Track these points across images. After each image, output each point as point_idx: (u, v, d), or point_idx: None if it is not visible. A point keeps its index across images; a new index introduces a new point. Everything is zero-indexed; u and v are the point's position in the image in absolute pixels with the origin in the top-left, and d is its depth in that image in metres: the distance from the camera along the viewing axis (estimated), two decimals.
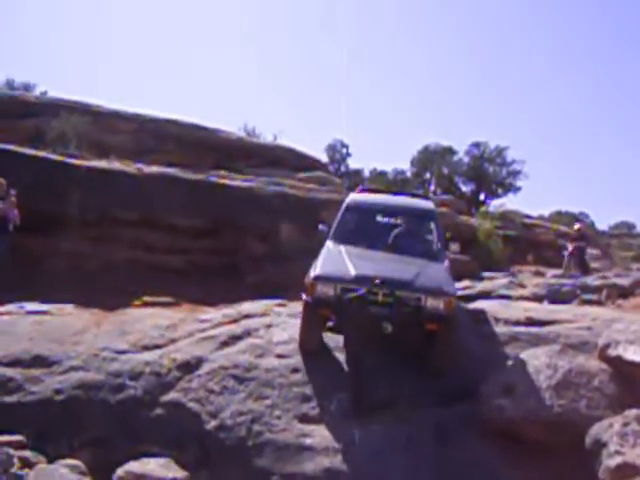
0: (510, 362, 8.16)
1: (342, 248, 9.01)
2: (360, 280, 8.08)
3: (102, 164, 18.33)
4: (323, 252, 9.06)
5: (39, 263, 14.61)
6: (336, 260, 8.62)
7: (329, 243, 9.41)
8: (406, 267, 8.55)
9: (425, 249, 9.47)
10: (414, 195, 12.43)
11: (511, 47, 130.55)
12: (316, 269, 8.37)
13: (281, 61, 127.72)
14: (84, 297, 11.55)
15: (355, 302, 8.01)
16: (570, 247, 20.56)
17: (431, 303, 7.97)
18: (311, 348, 8.62)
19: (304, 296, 8.36)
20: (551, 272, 21.00)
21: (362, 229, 9.78)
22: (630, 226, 56.27)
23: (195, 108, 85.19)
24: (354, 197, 10.50)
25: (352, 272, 8.18)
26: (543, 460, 7.00)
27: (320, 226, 10.16)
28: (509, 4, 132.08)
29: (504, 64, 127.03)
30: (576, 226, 22.45)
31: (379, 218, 10.20)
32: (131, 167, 18.68)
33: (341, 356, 8.62)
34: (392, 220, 10.08)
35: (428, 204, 10.72)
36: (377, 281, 7.95)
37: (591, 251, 23.44)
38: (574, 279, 16.72)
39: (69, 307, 10.71)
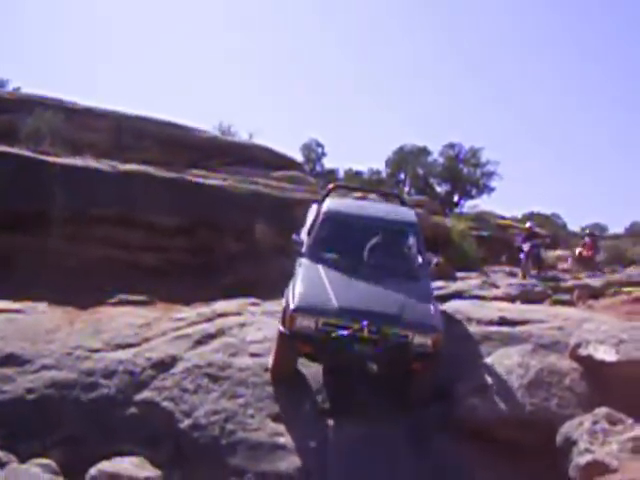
0: (483, 362, 8.24)
1: (321, 270, 8.39)
2: (343, 313, 7.59)
3: (77, 161, 18.14)
4: (300, 274, 8.40)
5: (12, 261, 14.45)
6: (316, 287, 8.01)
7: (306, 262, 8.71)
8: (391, 296, 8.04)
9: (408, 267, 9.02)
10: (388, 195, 12.15)
11: (487, 48, 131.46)
12: (295, 298, 7.77)
13: (257, 60, 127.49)
14: (58, 295, 11.44)
15: (338, 339, 7.50)
16: (526, 247, 19.97)
17: (418, 340, 7.57)
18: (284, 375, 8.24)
19: (280, 327, 7.85)
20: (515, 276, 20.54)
21: (341, 243, 9.01)
22: (602, 228, 56.77)
23: (171, 106, 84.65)
24: (331, 206, 9.70)
25: (335, 304, 7.67)
26: (515, 459, 7.08)
27: (294, 236, 9.54)
28: (487, 8, 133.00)
29: (480, 65, 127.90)
30: (527, 225, 22.17)
31: (358, 230, 9.23)
32: (107, 165, 18.53)
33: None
34: (372, 233, 9.14)
35: (410, 215, 10.06)
36: (364, 323, 7.43)
37: (563, 252, 23.30)
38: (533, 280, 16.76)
39: (42, 305, 10.63)
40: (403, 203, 11.53)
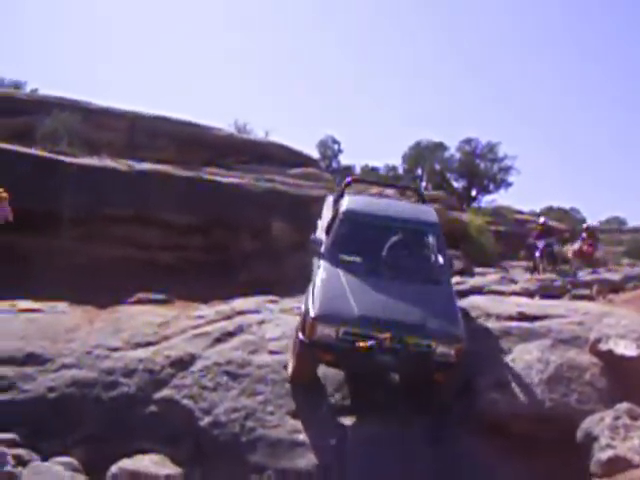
0: (503, 357, 8.20)
1: (341, 275, 8.08)
2: (365, 322, 7.38)
3: (94, 161, 18.28)
4: (320, 279, 8.10)
5: (31, 261, 14.59)
6: (336, 294, 7.74)
7: (325, 264, 8.38)
8: (413, 303, 7.78)
9: (429, 270, 8.75)
10: (407, 188, 11.95)
11: (502, 42, 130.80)
12: (315, 306, 7.53)
13: (273, 57, 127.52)
14: (76, 295, 11.52)
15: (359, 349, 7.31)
16: (540, 245, 18.72)
17: (441, 350, 7.39)
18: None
19: (300, 335, 7.62)
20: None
21: (360, 244, 8.67)
22: (621, 222, 56.40)
23: (186, 104, 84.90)
24: (350, 205, 9.28)
25: (356, 312, 7.46)
26: (534, 454, 7.06)
27: (312, 236, 9.36)
28: (498, 3, 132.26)
29: (496, 60, 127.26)
30: (540, 220, 21.02)
31: (378, 231, 8.83)
32: (123, 164, 18.63)
33: None
34: (393, 233, 8.75)
35: (430, 214, 9.73)
36: (386, 335, 7.25)
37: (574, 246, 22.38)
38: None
39: (62, 305, 10.69)
40: (421, 197, 11.35)
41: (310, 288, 8.11)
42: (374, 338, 7.30)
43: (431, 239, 9.14)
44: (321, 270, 8.32)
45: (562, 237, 21.59)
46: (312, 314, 7.44)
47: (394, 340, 7.29)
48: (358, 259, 8.46)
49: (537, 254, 18.80)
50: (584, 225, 22.24)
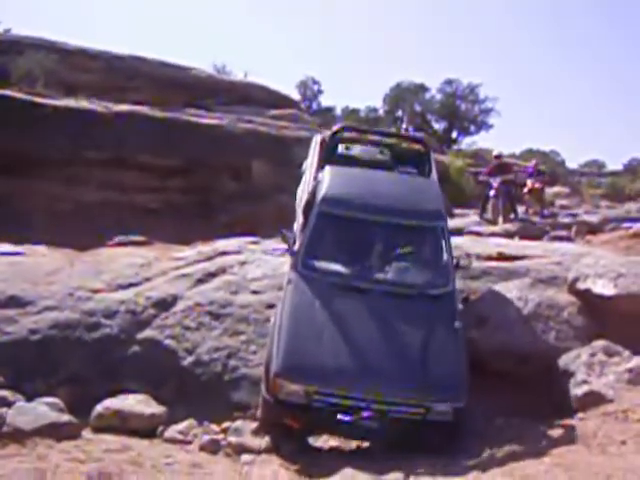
0: (482, 295, 8.28)
1: (316, 301, 6.44)
2: (342, 380, 5.88)
3: (70, 103, 17.97)
4: (288, 308, 6.40)
5: (8, 204, 14.42)
6: (306, 336, 6.12)
7: (297, 281, 6.68)
8: (407, 343, 6.26)
9: (430, 284, 6.87)
10: (409, 139, 10.36)
11: None
12: (279, 355, 5.98)
13: None
14: (56, 238, 11.48)
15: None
16: (495, 183, 15.67)
17: (438, 409, 5.90)
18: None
19: (263, 390, 6.22)
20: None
21: (343, 247, 7.11)
22: (600, 165, 56.64)
23: (163, 45, 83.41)
24: (330, 189, 7.37)
25: (331, 365, 5.92)
26: (513, 391, 7.16)
27: (283, 231, 7.52)
28: None
29: (478, 1, 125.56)
30: (494, 152, 18.09)
31: (366, 226, 7.15)
32: (100, 106, 18.35)
33: None
34: (385, 230, 7.13)
35: (435, 199, 7.69)
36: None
37: (561, 188, 22.19)
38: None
39: (42, 248, 10.65)
40: (426, 147, 9.52)
41: (277, 316, 6.56)
42: (355, 399, 5.87)
43: (435, 236, 7.35)
44: (291, 290, 6.65)
45: (517, 180, 17.73)
46: (275, 368, 5.94)
47: (380, 403, 5.88)
48: (339, 268, 6.85)
49: (491, 194, 15.93)
50: (532, 161, 20.09)
